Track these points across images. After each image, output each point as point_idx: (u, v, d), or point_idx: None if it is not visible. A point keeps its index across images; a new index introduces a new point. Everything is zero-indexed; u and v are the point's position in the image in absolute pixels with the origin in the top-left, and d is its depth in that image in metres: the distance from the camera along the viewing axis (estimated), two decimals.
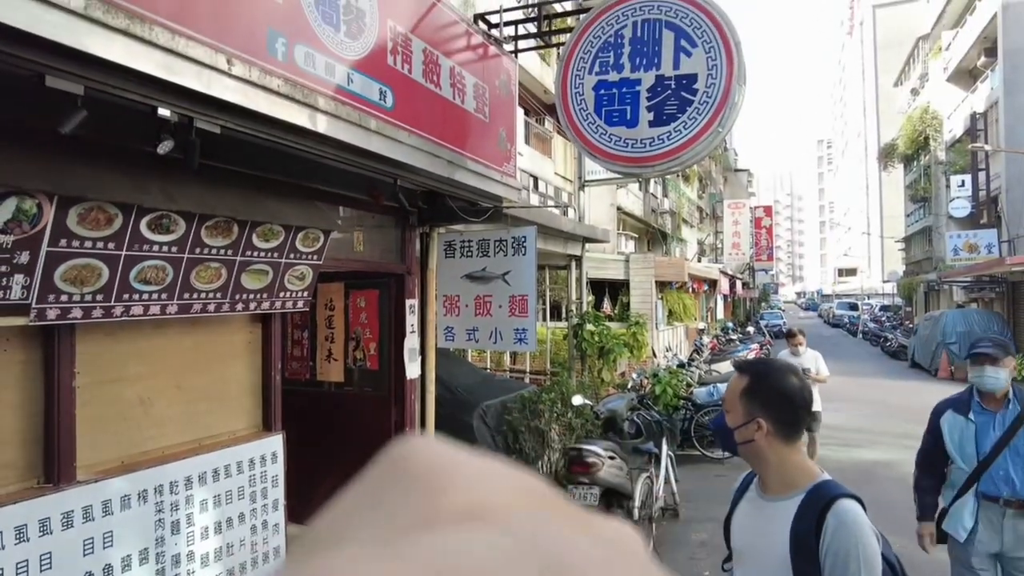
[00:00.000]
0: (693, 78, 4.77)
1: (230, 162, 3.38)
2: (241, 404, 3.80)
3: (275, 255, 3.56)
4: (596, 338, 8.74)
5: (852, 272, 70.49)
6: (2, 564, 2.56)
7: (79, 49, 2.09)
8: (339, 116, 3.23)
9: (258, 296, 3.57)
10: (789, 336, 7.57)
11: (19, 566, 2.62)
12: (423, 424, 5.38)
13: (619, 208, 18.35)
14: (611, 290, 13.95)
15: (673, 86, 4.79)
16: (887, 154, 34.30)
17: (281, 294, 3.72)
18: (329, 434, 5.39)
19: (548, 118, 15.60)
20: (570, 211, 12.61)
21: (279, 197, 3.86)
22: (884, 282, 46.73)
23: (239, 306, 3.48)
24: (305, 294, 3.90)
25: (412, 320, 5.27)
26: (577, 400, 6.12)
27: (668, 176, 24.61)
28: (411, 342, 5.25)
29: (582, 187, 9.42)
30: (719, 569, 5.37)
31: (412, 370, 5.24)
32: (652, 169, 4.83)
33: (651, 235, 23.26)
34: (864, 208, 58.02)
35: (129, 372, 3.21)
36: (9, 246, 2.42)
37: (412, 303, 5.28)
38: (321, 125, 3.11)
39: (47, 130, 2.55)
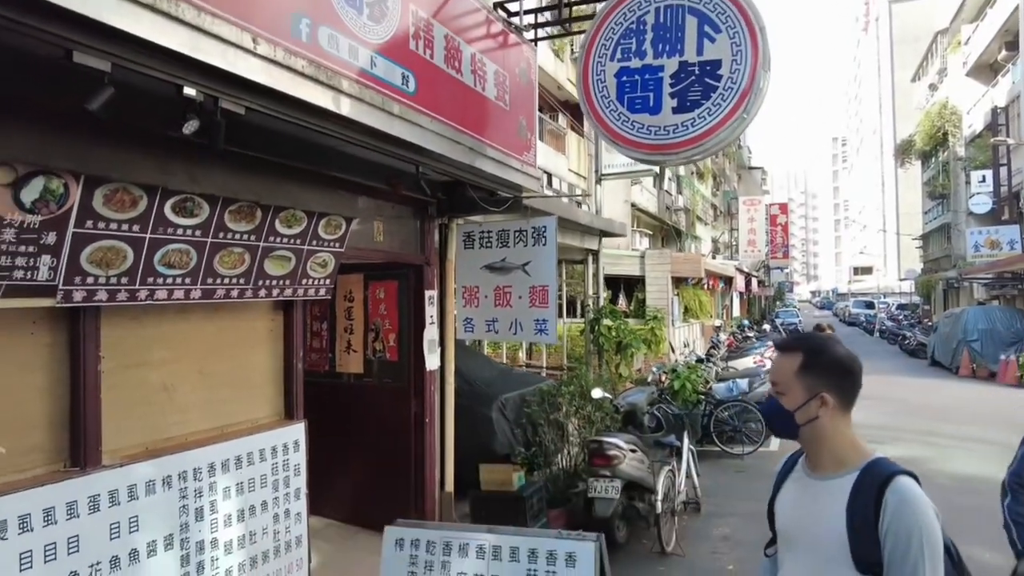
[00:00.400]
0: (717, 64, 4.69)
1: (253, 148, 3.36)
2: (263, 392, 3.78)
3: (298, 241, 3.54)
4: (613, 333, 8.67)
5: (868, 271, 69.80)
6: (31, 546, 2.55)
7: (106, 23, 2.06)
8: (363, 99, 3.19)
9: (281, 282, 3.55)
10: (818, 331, 7.47)
11: (47, 548, 2.61)
12: (442, 416, 5.35)
13: (633, 205, 18.24)
14: (626, 286, 13.85)
15: (697, 72, 4.72)
16: (904, 151, 33.89)
17: (304, 281, 3.69)
18: (348, 425, 5.37)
19: (562, 115, 15.53)
20: (584, 206, 12.52)
21: (301, 184, 3.84)
22: (901, 280, 46.16)
23: (262, 292, 3.46)
24: (327, 282, 3.87)
25: (431, 311, 5.24)
26: (597, 393, 6.06)
27: (682, 172, 24.48)
28: (430, 333, 5.21)
29: (599, 180, 9.34)
30: (743, 563, 5.29)
31: (432, 361, 5.20)
32: (676, 156, 4.75)
33: (665, 232, 23.12)
34: (880, 206, 57.41)
35: (153, 357, 3.20)
36: (36, 226, 2.41)
37: (431, 294, 5.25)
38: (345, 107, 3.08)
39: (73, 110, 2.54)
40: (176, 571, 3.14)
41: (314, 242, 3.64)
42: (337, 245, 3.81)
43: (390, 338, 5.32)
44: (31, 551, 2.57)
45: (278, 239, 3.41)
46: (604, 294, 9.57)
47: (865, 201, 69.54)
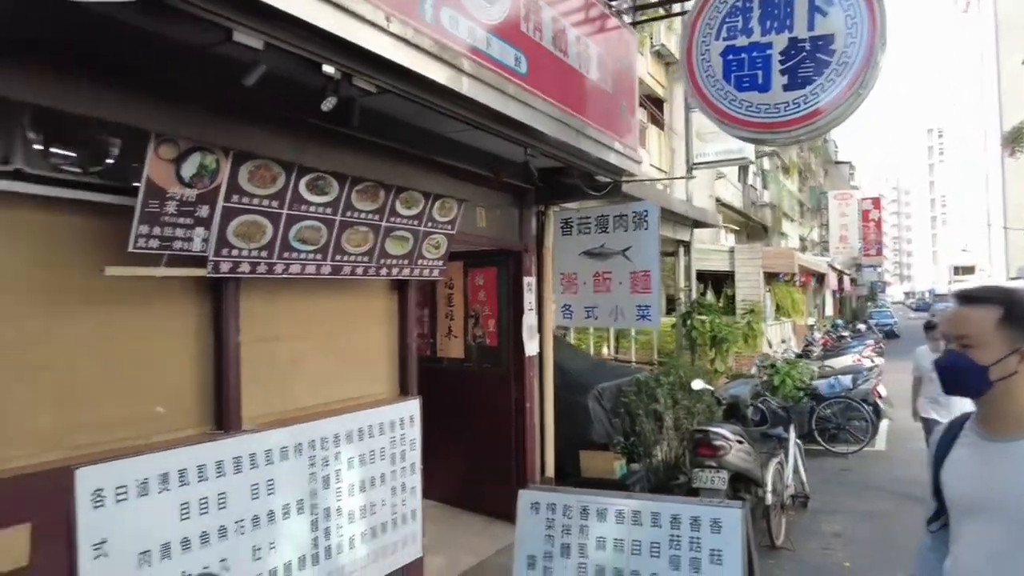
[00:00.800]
0: (830, 39, 4.50)
1: (371, 134, 3.49)
2: (380, 368, 3.91)
3: (415, 223, 3.64)
4: (708, 327, 8.44)
5: (970, 270, 65.01)
6: (187, 498, 2.74)
7: (264, 2, 2.19)
8: (481, 79, 3.25)
9: (399, 262, 3.66)
10: (929, 328, 7.01)
11: (201, 502, 2.79)
12: (542, 402, 5.37)
13: (718, 200, 17.73)
14: (714, 282, 13.48)
15: (808, 48, 4.54)
16: (1014, 139, 31.36)
17: (419, 261, 3.79)
18: (450, 409, 5.47)
19: (643, 108, 15.30)
20: (667, 190, 12.22)
21: (414, 169, 3.95)
22: (1011, 279, 42.78)
23: (383, 271, 3.57)
24: (440, 263, 3.96)
25: (530, 298, 5.27)
26: (697, 384, 5.91)
27: (767, 167, 23.60)
28: (529, 319, 5.24)
29: (689, 171, 9.14)
30: (857, 560, 5.01)
31: (531, 347, 5.23)
32: (786, 135, 4.58)
33: (751, 229, 22.34)
34: (984, 200, 53.41)
35: (283, 332, 3.37)
36: (193, 199, 2.58)
37: (530, 281, 5.28)
38: (465, 86, 3.14)
39: (220, 90, 2.72)
40: (307, 535, 3.29)
41: (429, 223, 3.73)
42: (449, 227, 3.89)
43: (490, 324, 5.38)
44: (188, 503, 2.76)
45: (398, 219, 3.52)
46: (696, 287, 9.35)
47: (966, 195, 64.88)
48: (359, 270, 3.44)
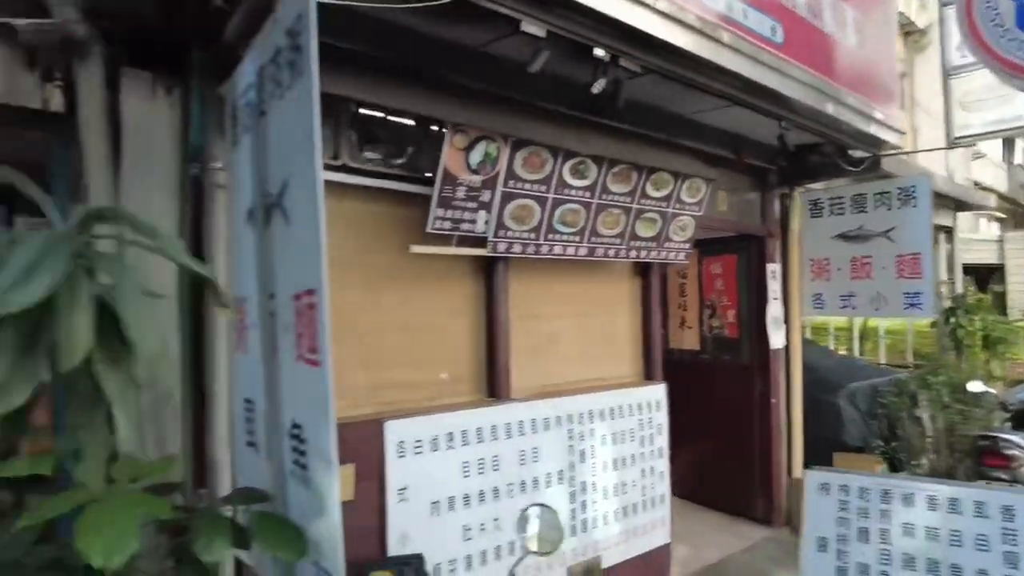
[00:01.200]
0: None
1: (621, 121, 3.55)
2: (626, 351, 3.96)
3: (664, 204, 3.63)
4: (978, 326, 7.28)
5: None
6: (468, 458, 3.02)
7: None
8: (739, 50, 3.15)
9: (647, 244, 3.68)
10: None
11: (479, 462, 3.06)
12: (788, 398, 5.03)
13: (975, 183, 15.20)
14: (977, 277, 11.57)
15: None
16: None
17: (666, 244, 3.78)
18: (685, 401, 5.34)
19: None
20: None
21: (659, 152, 3.95)
22: None
23: (632, 253, 3.62)
24: (686, 246, 3.92)
25: (774, 286, 4.98)
26: (976, 387, 5.11)
27: None
28: (774, 310, 4.95)
29: (951, 146, 7.95)
30: None
31: (776, 339, 4.93)
32: None
33: (1019, 217, 18.84)
34: None
35: (541, 311, 3.56)
36: (478, 185, 2.85)
37: (774, 268, 4.99)
38: (725, 59, 3.07)
39: (498, 85, 2.97)
40: (566, 505, 3.43)
41: (677, 205, 3.71)
42: (696, 208, 3.83)
43: (728, 315, 5.18)
44: (468, 462, 3.04)
45: (648, 201, 3.54)
46: (961, 281, 8.12)
47: None
48: (611, 252, 3.52)
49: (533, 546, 1.96)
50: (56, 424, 1.99)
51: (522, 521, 2.01)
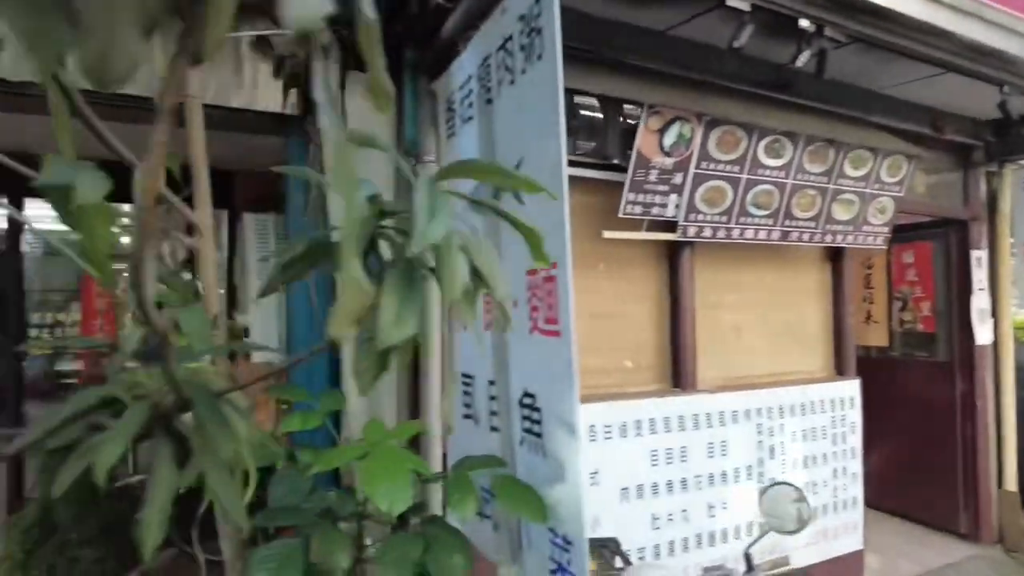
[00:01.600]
0: None
1: (813, 99, 3.35)
2: (815, 344, 3.72)
3: (862, 184, 3.38)
4: None
5: None
6: (655, 446, 2.98)
7: None
8: (960, 9, 2.85)
9: (843, 228, 3.44)
10: None
11: (667, 452, 3.02)
12: (998, 400, 4.49)
13: None
14: None
15: None
16: None
17: (863, 228, 3.51)
18: (873, 401, 4.93)
19: None
20: None
21: (855, 129, 3.68)
22: None
23: (827, 237, 3.40)
24: (884, 230, 3.61)
25: (980, 275, 4.46)
26: None
27: None
28: (980, 301, 4.43)
29: None
30: None
31: (983, 335, 4.42)
32: None
33: None
34: None
35: (725, 300, 3.44)
36: (670, 167, 2.80)
37: (979, 255, 4.47)
38: (943, 19, 2.79)
39: (693, 66, 2.91)
40: (756, 502, 3.29)
41: (876, 185, 3.43)
42: (897, 189, 3.52)
43: (922, 307, 4.72)
44: (656, 451, 3.00)
45: (845, 181, 3.31)
46: None
47: None
48: (804, 236, 3.32)
49: (790, 525, 1.92)
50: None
51: (770, 499, 1.97)
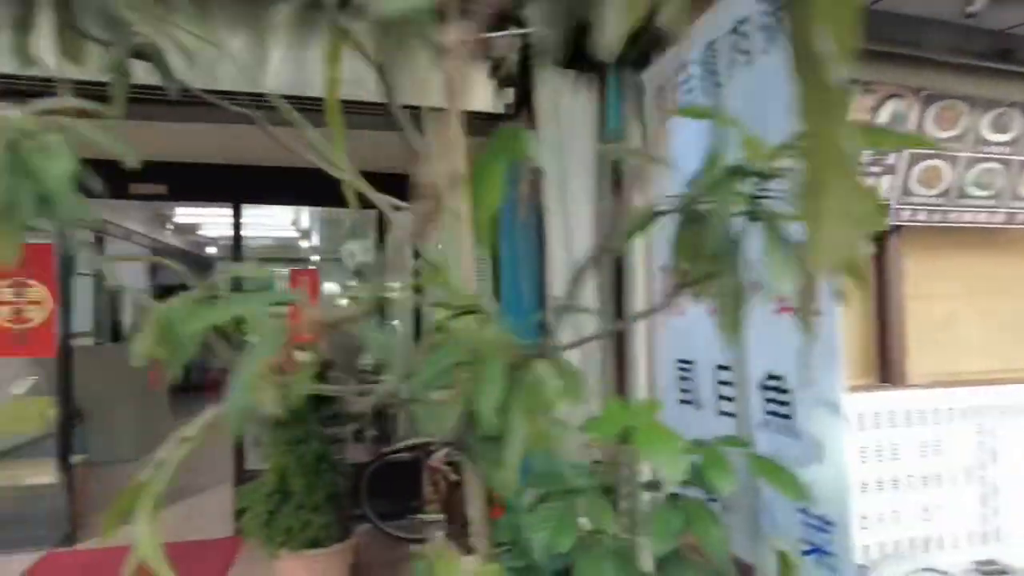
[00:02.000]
0: None
1: None
2: None
3: None
4: None
5: None
6: (864, 443, 2.83)
7: None
8: None
9: None
10: None
11: (876, 448, 2.85)
12: None
13: None
14: None
15: None
16: None
17: None
18: None
19: None
20: None
21: None
22: None
23: None
24: None
25: None
26: None
27: None
28: None
29: None
30: None
31: None
32: None
33: None
34: None
35: (935, 290, 3.20)
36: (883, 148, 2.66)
37: None
38: None
39: (902, 39, 2.74)
40: (975, 509, 3.03)
41: None
42: None
43: None
44: (866, 448, 2.85)
45: None
46: None
47: None
48: None
49: None
50: None
51: None
